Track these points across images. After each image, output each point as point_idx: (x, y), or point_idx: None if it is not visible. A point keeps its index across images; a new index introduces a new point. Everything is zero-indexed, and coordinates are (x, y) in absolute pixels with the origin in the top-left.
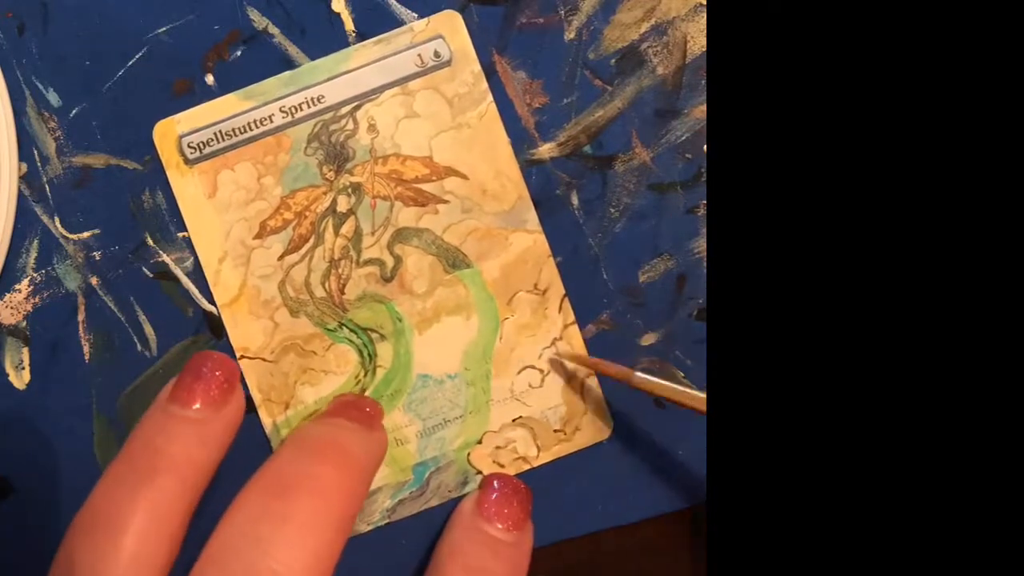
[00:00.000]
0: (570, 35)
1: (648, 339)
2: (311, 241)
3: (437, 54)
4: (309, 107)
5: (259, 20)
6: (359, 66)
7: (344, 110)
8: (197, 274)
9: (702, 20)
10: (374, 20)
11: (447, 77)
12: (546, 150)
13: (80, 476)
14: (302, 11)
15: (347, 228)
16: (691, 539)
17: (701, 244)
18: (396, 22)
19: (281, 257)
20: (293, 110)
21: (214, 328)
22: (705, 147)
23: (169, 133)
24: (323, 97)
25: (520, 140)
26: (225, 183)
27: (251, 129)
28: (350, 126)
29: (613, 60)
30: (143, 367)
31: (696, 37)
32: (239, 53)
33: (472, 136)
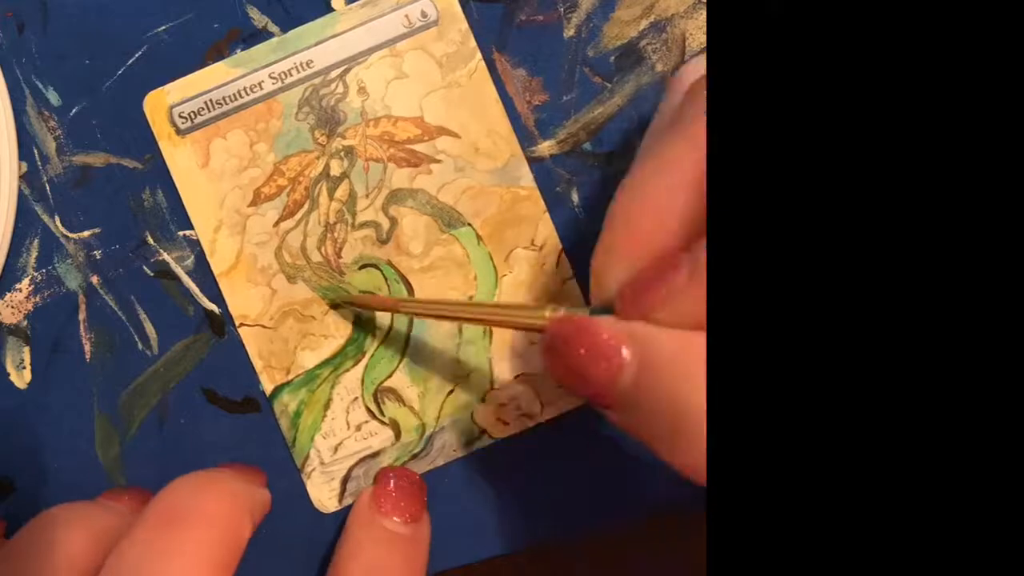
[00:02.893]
0: (569, 32)
1: None
2: (306, 206)
3: (424, 14)
4: (298, 72)
5: (259, 18)
6: (346, 29)
7: (333, 74)
8: (198, 272)
9: (701, 17)
10: None
11: (435, 37)
12: (546, 147)
13: (81, 475)
14: (301, 9)
15: (341, 192)
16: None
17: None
18: None
19: (276, 223)
20: (283, 76)
21: (215, 327)
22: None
23: (160, 104)
24: (312, 62)
25: (520, 137)
26: (217, 152)
27: (241, 96)
28: (340, 89)
29: (612, 57)
30: (144, 366)
31: (695, 34)
32: (239, 52)
33: (462, 95)
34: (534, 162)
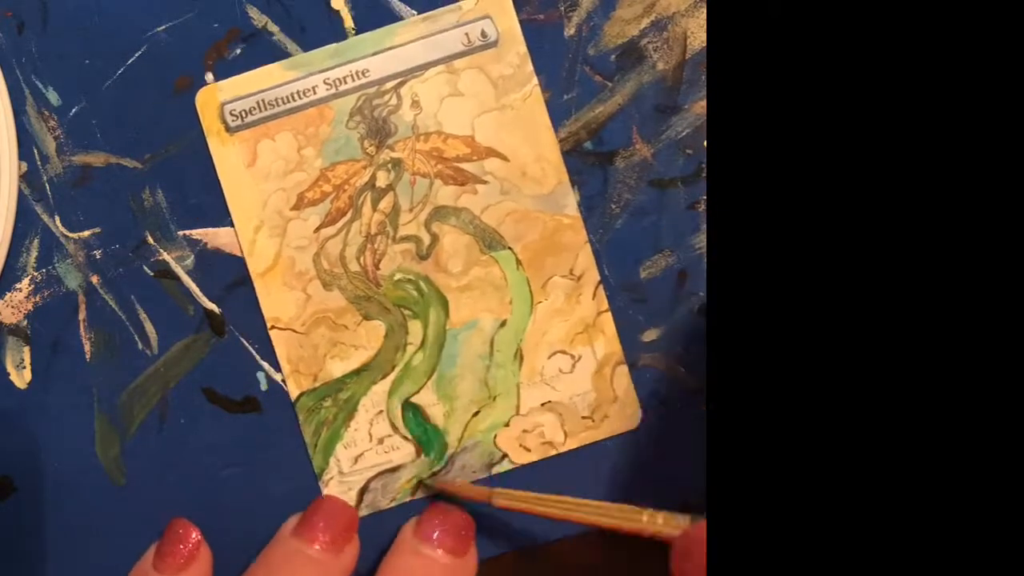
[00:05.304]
0: (570, 31)
1: (650, 335)
2: (348, 215)
3: (484, 34)
4: (354, 80)
5: (258, 18)
6: (405, 42)
7: (388, 85)
8: (198, 272)
9: (702, 15)
10: (373, 17)
11: (493, 58)
12: None
13: (81, 475)
14: (301, 8)
15: (385, 204)
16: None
17: (702, 240)
18: (394, 18)
19: (317, 229)
20: (337, 82)
21: (215, 326)
22: (705, 143)
23: (211, 100)
24: (368, 71)
25: None
26: (265, 152)
27: (294, 100)
28: (394, 101)
29: (613, 56)
30: (144, 365)
31: (696, 32)
32: (238, 51)
33: (515, 118)
34: None
